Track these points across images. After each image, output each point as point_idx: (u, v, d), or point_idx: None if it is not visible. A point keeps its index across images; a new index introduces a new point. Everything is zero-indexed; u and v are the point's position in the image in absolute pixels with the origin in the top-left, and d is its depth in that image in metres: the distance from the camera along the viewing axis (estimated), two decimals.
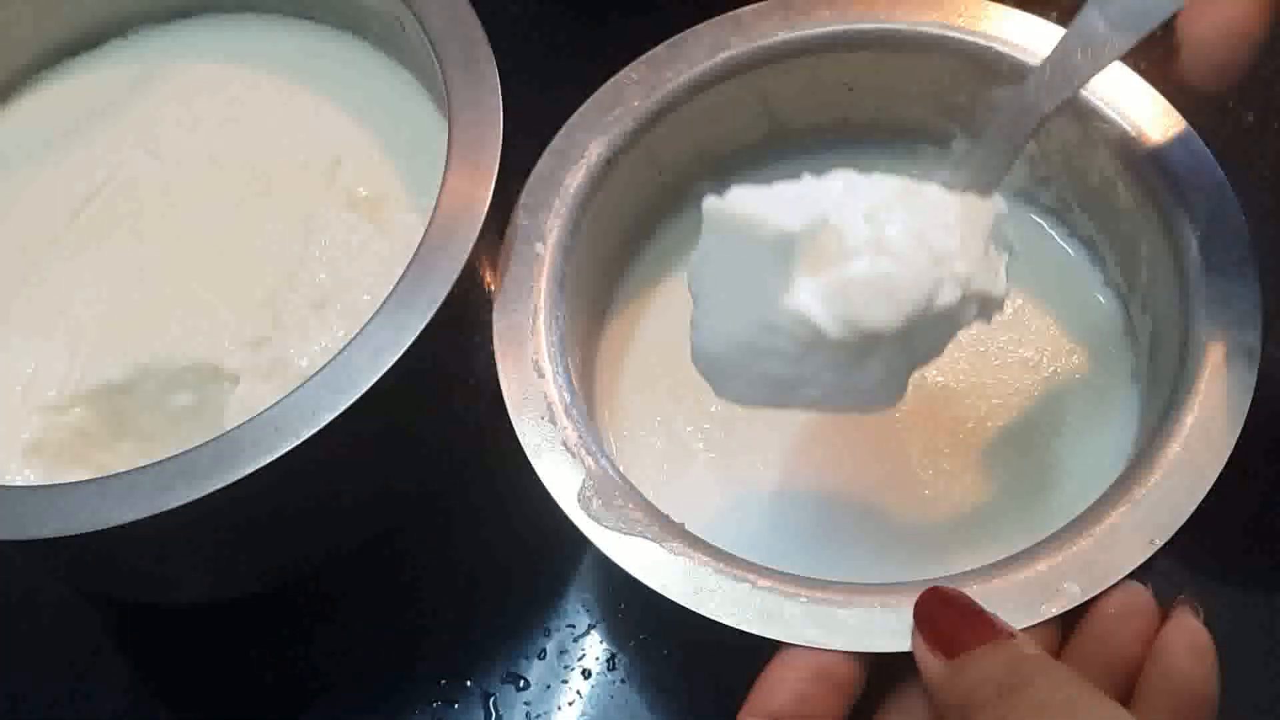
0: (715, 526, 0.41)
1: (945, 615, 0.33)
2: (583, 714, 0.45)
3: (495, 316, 0.42)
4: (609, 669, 0.45)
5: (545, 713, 0.45)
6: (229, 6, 0.54)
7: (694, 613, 0.36)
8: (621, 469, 0.40)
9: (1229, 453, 0.37)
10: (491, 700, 0.45)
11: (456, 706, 0.45)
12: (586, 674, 0.45)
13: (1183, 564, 0.44)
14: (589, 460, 0.39)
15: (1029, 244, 0.47)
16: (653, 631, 0.45)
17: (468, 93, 0.44)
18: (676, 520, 0.39)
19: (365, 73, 0.51)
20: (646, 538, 0.37)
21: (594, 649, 0.46)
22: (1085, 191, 0.46)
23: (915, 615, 0.34)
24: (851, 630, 0.35)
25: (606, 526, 0.38)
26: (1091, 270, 0.46)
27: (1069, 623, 0.36)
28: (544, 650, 0.46)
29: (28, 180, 0.50)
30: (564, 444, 0.39)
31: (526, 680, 0.45)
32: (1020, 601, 0.35)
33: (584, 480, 0.39)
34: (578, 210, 0.44)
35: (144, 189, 0.49)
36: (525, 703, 0.45)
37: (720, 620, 0.36)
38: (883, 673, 0.35)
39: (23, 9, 0.52)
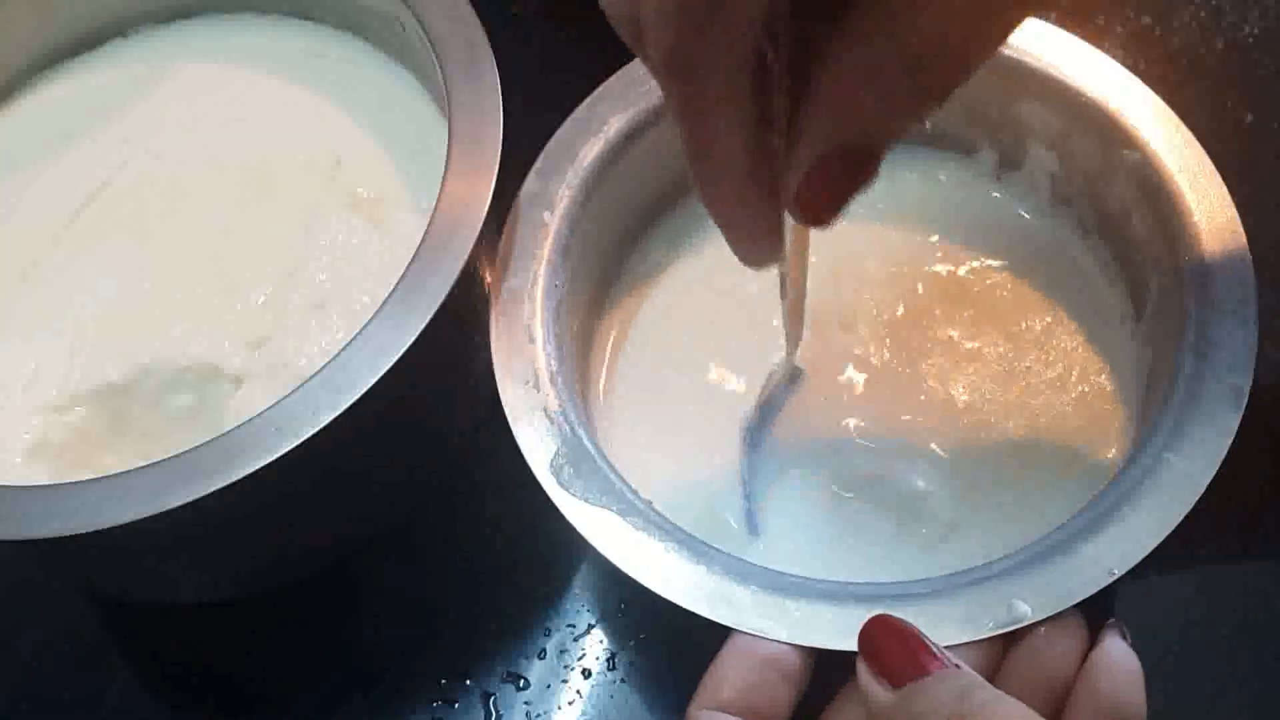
0: (687, 508, 0.42)
1: (890, 645, 0.33)
2: (583, 714, 0.45)
3: (497, 281, 0.42)
4: (609, 669, 0.45)
5: (545, 713, 0.45)
6: (229, 6, 0.54)
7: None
8: (606, 442, 0.40)
9: (1201, 492, 0.36)
10: (491, 700, 0.45)
11: (456, 706, 0.45)
12: (586, 674, 0.45)
13: (1183, 564, 0.44)
14: (566, 429, 0.39)
15: (1056, 261, 0.47)
16: (653, 631, 0.45)
17: (468, 93, 0.44)
18: (646, 498, 0.39)
19: (365, 73, 0.51)
20: (612, 510, 0.38)
21: (594, 649, 0.46)
22: (1103, 218, 0.46)
23: (860, 644, 0.33)
24: (797, 623, 0.35)
25: (574, 495, 0.38)
26: (1108, 294, 0.46)
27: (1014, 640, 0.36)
28: (544, 650, 0.46)
29: (28, 180, 0.50)
30: (544, 410, 0.40)
31: (526, 680, 0.45)
32: (969, 615, 0.35)
33: (558, 448, 0.39)
34: (590, 182, 0.44)
35: (144, 189, 0.49)
36: (525, 703, 0.45)
37: (670, 598, 0.36)
38: (833, 667, 0.35)
39: (23, 9, 0.52)
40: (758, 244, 0.34)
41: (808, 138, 0.30)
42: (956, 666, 0.32)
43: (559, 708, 0.45)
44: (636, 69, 0.46)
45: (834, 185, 0.31)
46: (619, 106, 0.45)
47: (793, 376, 0.44)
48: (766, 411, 0.44)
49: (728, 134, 0.30)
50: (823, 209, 0.31)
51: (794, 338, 0.42)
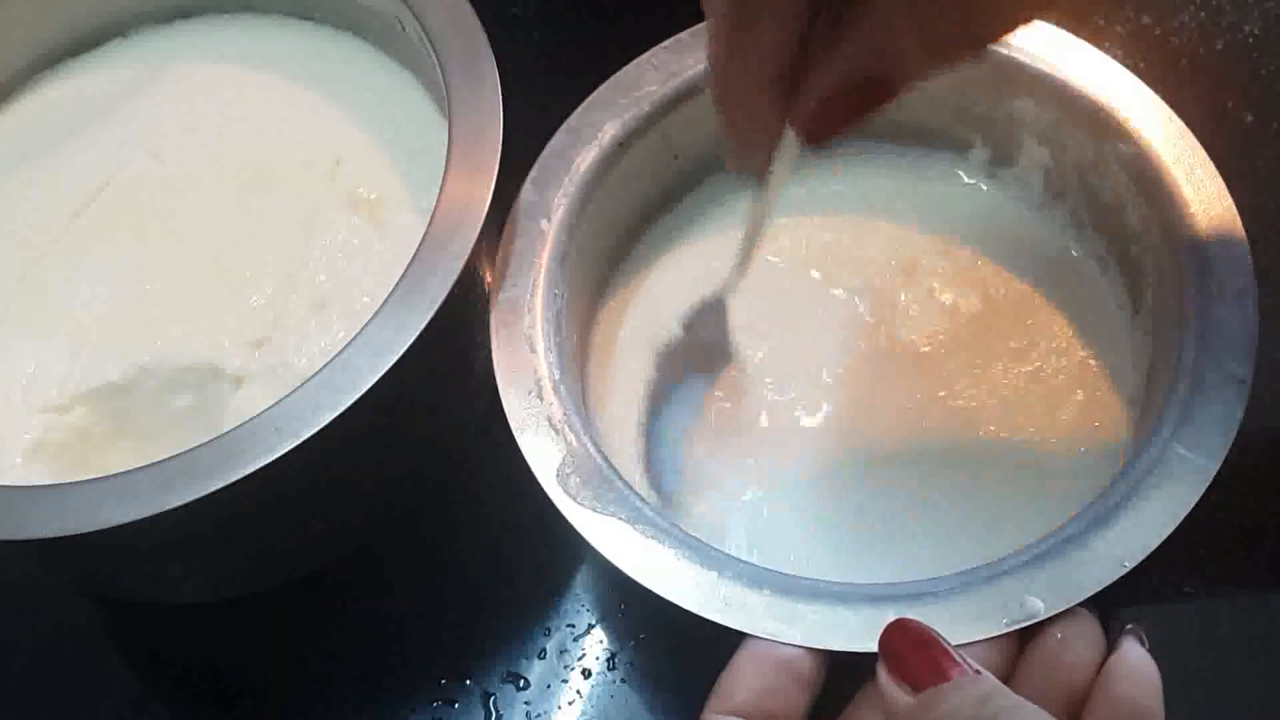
0: (692, 514, 0.42)
1: (910, 649, 0.33)
2: (583, 714, 0.45)
3: (496, 290, 0.42)
4: (609, 669, 0.45)
5: (545, 713, 0.45)
6: (229, 6, 0.54)
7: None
8: (606, 449, 0.40)
9: (1208, 482, 0.37)
10: (491, 700, 0.45)
11: (456, 706, 0.45)
12: (586, 674, 0.45)
13: (1184, 564, 0.44)
14: (571, 438, 0.39)
15: (1051, 255, 0.47)
16: (653, 631, 0.45)
17: (468, 93, 0.44)
18: (652, 504, 0.39)
19: (365, 73, 0.51)
20: (620, 518, 0.38)
21: (594, 649, 0.46)
22: (1098, 210, 0.46)
23: (880, 648, 0.33)
24: (811, 626, 0.35)
25: (581, 504, 0.38)
26: (1104, 287, 0.46)
27: (1029, 640, 0.36)
28: (544, 650, 0.46)
29: (28, 180, 0.50)
30: (548, 420, 0.40)
31: (526, 680, 0.45)
32: (983, 612, 0.35)
33: (564, 457, 0.39)
34: (586, 190, 0.44)
35: (145, 189, 0.49)
36: (525, 703, 0.45)
37: (683, 605, 0.36)
38: (847, 670, 0.35)
39: (23, 9, 0.52)
40: (753, 150, 0.36)
41: (834, 62, 0.32)
42: (976, 672, 0.32)
43: (559, 708, 0.45)
44: (627, 76, 0.46)
45: (845, 111, 0.33)
46: (612, 114, 0.45)
47: (720, 303, 0.44)
48: (691, 335, 0.45)
49: (767, 42, 0.32)
50: (827, 130, 0.34)
51: (744, 264, 0.42)
